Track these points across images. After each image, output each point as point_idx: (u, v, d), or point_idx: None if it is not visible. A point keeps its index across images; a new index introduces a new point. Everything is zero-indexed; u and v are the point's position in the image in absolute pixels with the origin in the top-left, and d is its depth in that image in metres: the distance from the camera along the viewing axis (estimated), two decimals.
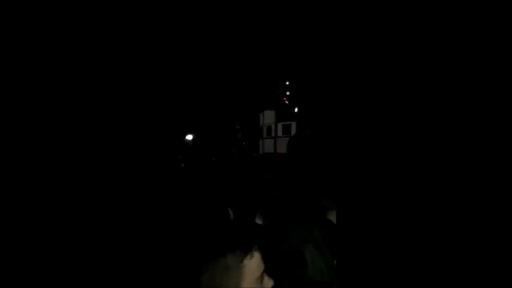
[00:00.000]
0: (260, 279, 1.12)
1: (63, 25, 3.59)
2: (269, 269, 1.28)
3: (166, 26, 4.21)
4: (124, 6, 3.77)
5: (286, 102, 5.83)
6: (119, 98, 3.94)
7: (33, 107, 3.41)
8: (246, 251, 1.09)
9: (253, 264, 1.09)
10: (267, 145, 5.74)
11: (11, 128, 3.28)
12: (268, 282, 1.14)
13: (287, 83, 5.73)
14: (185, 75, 4.84)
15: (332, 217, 2.78)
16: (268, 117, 5.73)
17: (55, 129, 3.50)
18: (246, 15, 4.66)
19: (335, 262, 2.44)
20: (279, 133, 5.66)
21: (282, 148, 5.74)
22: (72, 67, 3.72)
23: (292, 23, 4.70)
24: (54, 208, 3.30)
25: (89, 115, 3.68)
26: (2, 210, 3.10)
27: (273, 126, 5.71)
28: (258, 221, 2.63)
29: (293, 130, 5.76)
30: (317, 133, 4.81)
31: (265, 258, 1.20)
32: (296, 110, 5.97)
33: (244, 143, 5.97)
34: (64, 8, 3.52)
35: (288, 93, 5.88)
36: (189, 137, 4.53)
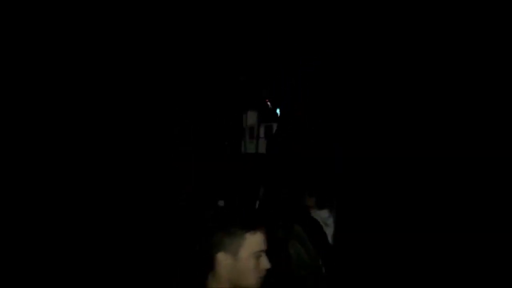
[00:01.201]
0: (258, 256, 1.35)
1: (63, 25, 3.55)
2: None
3: (150, 29, 4.22)
4: (117, 5, 3.75)
5: (269, 103, 5.86)
6: (112, 98, 3.91)
7: (33, 107, 3.37)
8: (251, 226, 1.35)
9: (255, 238, 1.34)
10: (249, 146, 5.79)
11: (11, 128, 3.24)
12: (266, 263, 1.35)
13: (271, 84, 5.76)
14: (170, 74, 4.85)
15: (316, 215, 2.81)
16: (251, 118, 5.78)
17: (54, 129, 3.47)
18: (233, 14, 4.68)
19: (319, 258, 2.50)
20: (261, 134, 5.71)
21: (263, 149, 5.77)
22: (67, 65, 3.68)
23: (280, 24, 4.75)
24: (53, 208, 3.27)
25: (83, 113, 3.64)
26: (2, 210, 3.06)
27: (255, 127, 5.75)
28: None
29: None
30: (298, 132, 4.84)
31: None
32: (278, 111, 6.01)
33: (226, 143, 5.98)
34: (64, 8, 3.49)
35: (271, 94, 5.92)
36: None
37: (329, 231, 2.63)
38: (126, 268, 3.19)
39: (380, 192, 3.18)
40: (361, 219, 3.15)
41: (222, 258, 1.33)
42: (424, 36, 3.08)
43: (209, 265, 1.37)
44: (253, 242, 1.35)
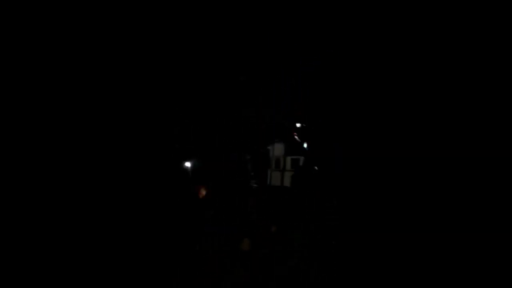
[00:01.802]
0: None
1: (63, 25, 3.68)
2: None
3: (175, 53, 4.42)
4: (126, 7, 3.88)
5: (296, 137, 5.97)
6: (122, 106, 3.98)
7: (33, 108, 3.48)
8: None
9: None
10: (275, 177, 5.87)
11: (12, 128, 3.35)
12: None
13: (298, 119, 5.88)
14: (196, 102, 5.04)
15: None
16: (277, 150, 5.90)
17: (55, 129, 3.57)
18: (233, 14, 4.77)
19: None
20: (288, 167, 5.79)
21: (289, 181, 5.83)
22: (68, 66, 3.78)
23: (280, 25, 4.82)
24: (54, 208, 3.37)
25: (84, 114, 3.71)
26: (2, 210, 3.17)
27: (281, 159, 5.85)
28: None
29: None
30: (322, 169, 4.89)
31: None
32: (305, 145, 6.09)
33: (252, 173, 6.09)
34: (64, 8, 3.63)
35: (298, 126, 6.03)
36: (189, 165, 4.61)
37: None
38: (126, 268, 3.20)
39: (380, 192, 3.13)
40: (362, 219, 3.11)
41: None
42: (424, 36, 3.09)
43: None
44: None
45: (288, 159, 5.83)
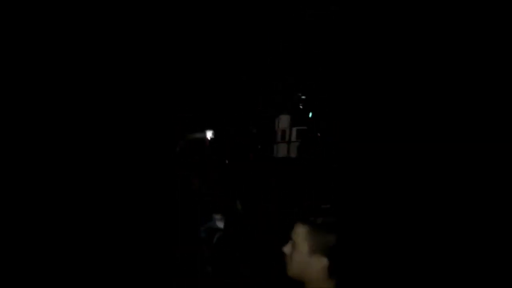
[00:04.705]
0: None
1: (63, 25, 3.60)
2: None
3: (176, 26, 4.31)
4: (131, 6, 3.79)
5: (301, 107, 5.90)
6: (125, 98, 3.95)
7: (32, 109, 3.42)
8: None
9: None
10: (281, 149, 5.83)
11: (11, 128, 3.30)
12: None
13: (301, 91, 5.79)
14: (201, 79, 4.96)
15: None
16: (283, 121, 5.83)
17: (54, 129, 3.51)
18: (234, 14, 4.66)
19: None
20: (293, 138, 5.74)
21: (295, 152, 5.80)
22: (68, 66, 3.71)
23: (279, 24, 4.70)
24: (53, 208, 3.33)
25: (85, 114, 3.66)
26: (2, 210, 3.13)
27: (287, 131, 5.79)
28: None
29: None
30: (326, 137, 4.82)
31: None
32: (310, 115, 6.02)
33: (259, 147, 6.06)
34: (64, 8, 3.53)
35: (303, 97, 5.95)
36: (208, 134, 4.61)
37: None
38: (127, 268, 3.17)
39: (381, 190, 3.10)
40: (363, 220, 3.09)
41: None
42: (424, 30, 2.98)
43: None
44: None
45: (294, 130, 5.78)
